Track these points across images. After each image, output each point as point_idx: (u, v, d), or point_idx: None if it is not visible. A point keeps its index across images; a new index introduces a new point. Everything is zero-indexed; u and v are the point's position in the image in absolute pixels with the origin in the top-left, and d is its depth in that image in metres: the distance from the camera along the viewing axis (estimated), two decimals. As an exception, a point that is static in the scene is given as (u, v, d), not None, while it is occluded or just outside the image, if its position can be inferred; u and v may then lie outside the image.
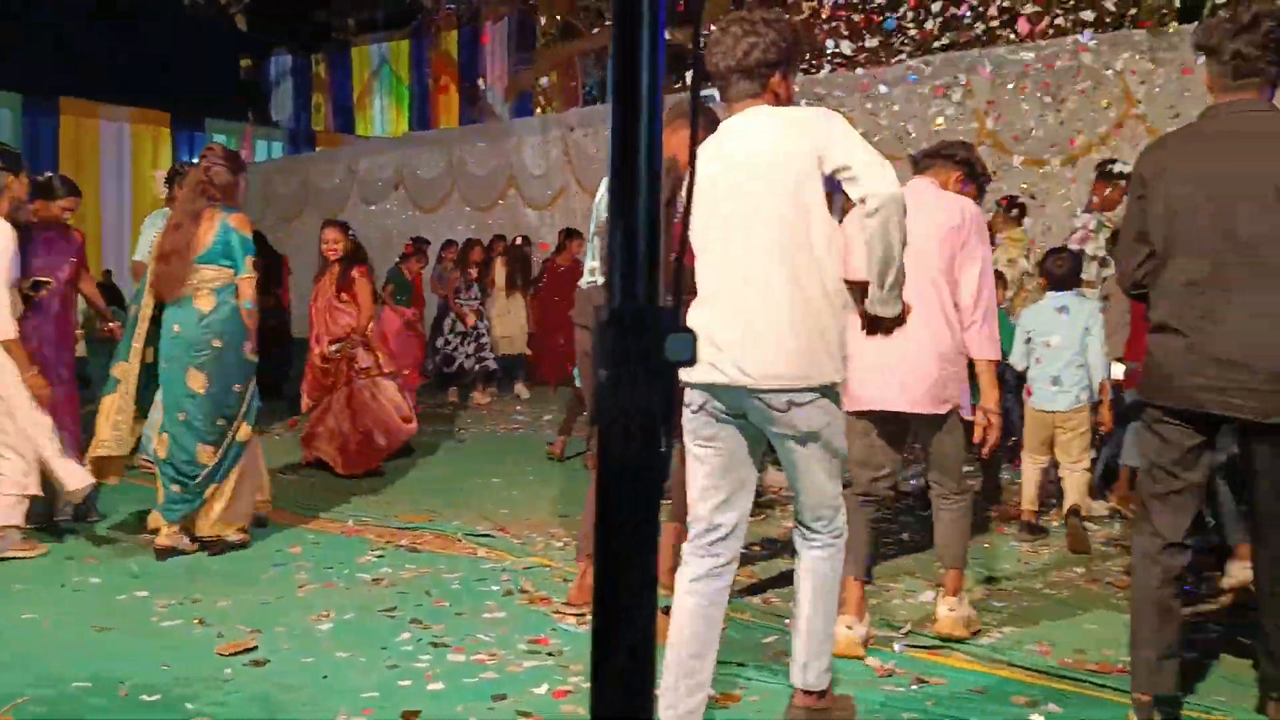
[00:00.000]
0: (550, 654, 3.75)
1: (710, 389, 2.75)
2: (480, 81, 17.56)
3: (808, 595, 2.93)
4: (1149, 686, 3.05)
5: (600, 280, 4.17)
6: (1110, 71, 9.54)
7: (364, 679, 3.49)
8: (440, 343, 10.66)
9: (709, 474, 2.82)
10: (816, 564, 2.94)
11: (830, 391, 2.75)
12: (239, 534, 5.16)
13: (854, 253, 3.10)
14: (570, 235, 10.95)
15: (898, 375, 3.65)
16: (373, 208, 16.08)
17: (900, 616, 4.16)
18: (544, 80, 15.38)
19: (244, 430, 5.10)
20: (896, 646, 3.82)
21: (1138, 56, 9.39)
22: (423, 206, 15.53)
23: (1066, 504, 5.39)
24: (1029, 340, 5.41)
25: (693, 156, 0.90)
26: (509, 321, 11.03)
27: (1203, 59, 3.08)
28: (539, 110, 15.85)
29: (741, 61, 2.76)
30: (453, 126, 18.39)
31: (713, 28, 2.87)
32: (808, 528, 2.93)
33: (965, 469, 3.88)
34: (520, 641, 3.85)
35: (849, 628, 3.73)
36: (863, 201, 2.63)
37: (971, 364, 3.80)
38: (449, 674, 3.54)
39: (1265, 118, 2.93)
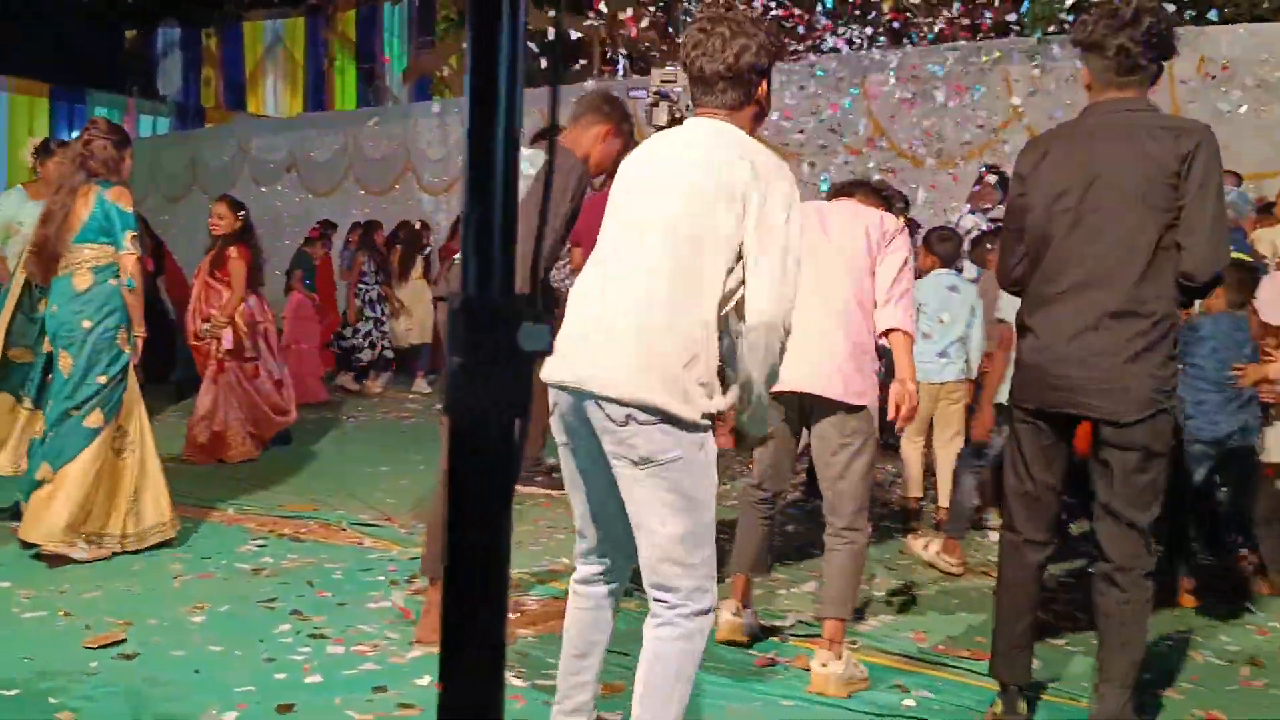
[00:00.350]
0: (435, 644, 3.71)
1: (559, 389, 2.52)
2: (380, 63, 17.23)
3: (639, 691, 2.48)
4: (1006, 675, 3.16)
5: None
6: (996, 76, 9.83)
7: (238, 673, 3.40)
8: (349, 330, 10.46)
9: (569, 481, 2.64)
10: (659, 647, 2.46)
11: (682, 424, 2.38)
12: (84, 548, 4.60)
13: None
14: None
15: (809, 359, 3.43)
16: (264, 189, 15.63)
17: (783, 606, 4.22)
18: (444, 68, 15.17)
19: (93, 417, 4.65)
20: (778, 638, 3.88)
21: (1023, 62, 9.69)
22: (316, 190, 15.17)
23: (944, 493, 5.54)
24: (919, 311, 5.48)
25: (551, 149, 0.88)
26: (412, 309, 10.79)
27: (1080, 56, 3.04)
28: (438, 95, 15.62)
29: (733, 66, 2.52)
30: (349, 108, 18.00)
31: (690, 26, 2.63)
32: (652, 596, 2.47)
33: (859, 507, 3.55)
34: (404, 633, 3.79)
35: (733, 614, 3.77)
36: (748, 307, 2.43)
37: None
38: (328, 666, 3.47)
39: (1141, 117, 2.93)
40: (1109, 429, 2.91)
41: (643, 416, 2.36)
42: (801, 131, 10.25)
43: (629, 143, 3.72)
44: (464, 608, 0.78)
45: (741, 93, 2.55)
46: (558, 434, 2.59)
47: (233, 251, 6.86)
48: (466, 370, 0.75)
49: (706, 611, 2.46)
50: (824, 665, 3.42)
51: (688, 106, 3.74)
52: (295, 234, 12.51)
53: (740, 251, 2.42)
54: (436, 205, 13.95)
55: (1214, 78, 8.99)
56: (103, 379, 4.67)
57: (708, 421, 2.42)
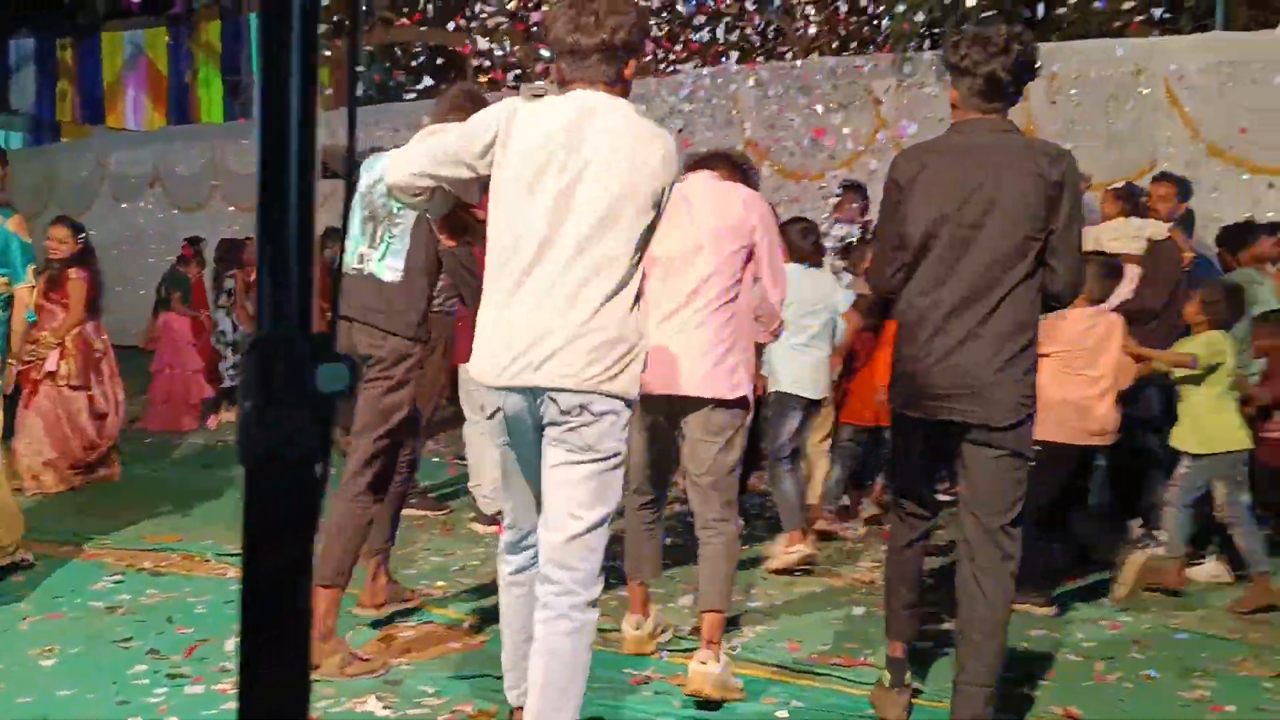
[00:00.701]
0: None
1: (505, 390, 2.58)
2: (247, 74, 16.74)
3: (536, 684, 2.56)
4: (897, 633, 3.34)
5: (367, 269, 3.75)
6: (861, 90, 10.10)
7: (88, 718, 3.22)
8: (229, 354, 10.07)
9: (513, 476, 2.74)
10: (553, 641, 2.55)
11: (620, 404, 2.55)
12: None
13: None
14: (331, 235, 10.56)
15: (669, 359, 3.51)
16: (125, 205, 15.04)
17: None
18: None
19: None
20: (656, 654, 3.87)
21: (887, 77, 9.98)
22: (182, 205, 14.65)
23: (815, 494, 5.63)
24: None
25: (350, 168, 0.84)
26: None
27: (950, 77, 3.18)
28: (308, 108, 15.24)
29: (608, 41, 2.56)
30: (215, 121, 17.44)
31: (557, 5, 2.67)
32: (548, 578, 2.59)
33: (727, 500, 3.61)
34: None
35: (635, 628, 3.81)
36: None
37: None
38: (185, 707, 3.33)
39: (1013, 137, 3.12)
40: (980, 433, 3.07)
41: (596, 406, 2.50)
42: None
43: None
44: (264, 667, 0.74)
45: (613, 69, 2.61)
46: (500, 434, 2.69)
47: (73, 273, 6.53)
48: (259, 413, 0.72)
49: (596, 602, 2.60)
50: (703, 664, 3.39)
51: None
52: (159, 252, 12.08)
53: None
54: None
55: (1071, 93, 9.40)
56: None
57: (635, 393, 2.60)
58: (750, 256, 3.63)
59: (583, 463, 2.54)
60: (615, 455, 2.58)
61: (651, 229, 2.60)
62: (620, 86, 2.64)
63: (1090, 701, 3.53)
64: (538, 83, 4.14)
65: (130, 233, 13.98)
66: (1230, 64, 8.87)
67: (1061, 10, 10.95)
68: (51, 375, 6.53)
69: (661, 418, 3.67)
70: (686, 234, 3.56)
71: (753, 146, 10.40)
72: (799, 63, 10.39)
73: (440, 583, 4.71)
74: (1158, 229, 5.91)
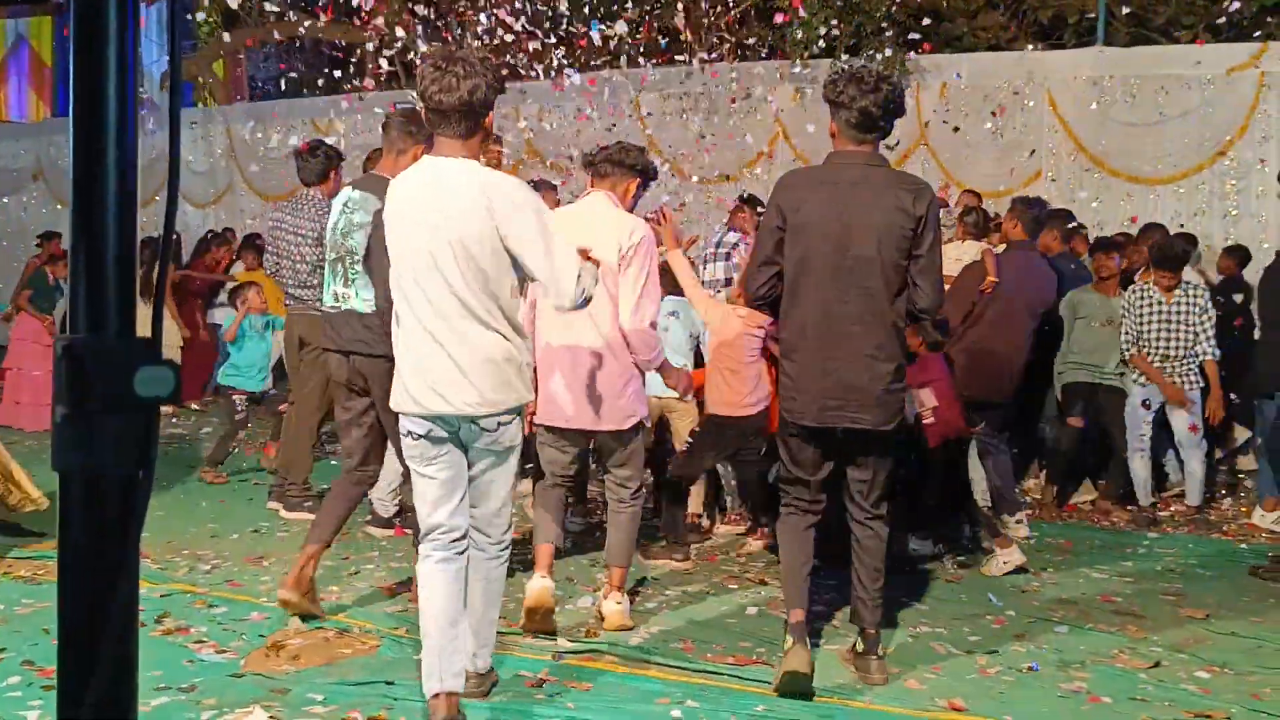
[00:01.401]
0: (184, 689, 3.47)
1: (435, 418, 3.12)
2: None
3: (480, 602, 3.33)
4: (798, 603, 3.67)
5: (345, 305, 4.26)
6: (759, 98, 10.21)
7: (-47, 735, 3.07)
8: None
9: (440, 486, 3.18)
10: (490, 571, 3.34)
11: (519, 414, 3.24)
12: None
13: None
14: (219, 239, 10.42)
15: (580, 396, 4.12)
16: (7, 199, 14.41)
17: (557, 624, 4.19)
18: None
19: None
20: (552, 656, 3.85)
21: (788, 86, 10.10)
22: (66, 200, 14.07)
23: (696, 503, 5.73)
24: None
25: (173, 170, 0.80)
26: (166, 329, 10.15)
27: (830, 110, 3.63)
28: (201, 102, 14.81)
29: (466, 101, 3.01)
30: (104, 114, 16.76)
31: (425, 64, 3.10)
32: (485, 535, 3.31)
33: (637, 486, 4.29)
34: (150, 678, 3.53)
35: (542, 577, 4.14)
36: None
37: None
38: None
39: (883, 172, 3.59)
40: (869, 437, 3.60)
41: (507, 419, 3.15)
42: (571, 158, 10.28)
43: None
44: (83, 668, 0.70)
45: (474, 123, 3.08)
46: (424, 454, 3.16)
47: None
48: (73, 422, 0.68)
49: (510, 542, 3.37)
50: (617, 604, 4.17)
51: None
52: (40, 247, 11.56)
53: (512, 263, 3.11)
54: (204, 218, 13.23)
55: (960, 105, 9.63)
56: None
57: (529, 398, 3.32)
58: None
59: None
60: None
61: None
62: (478, 136, 3.12)
63: (974, 694, 3.61)
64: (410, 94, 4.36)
65: (13, 227, 13.41)
66: (1110, 79, 9.21)
67: (951, 25, 11.23)
68: None
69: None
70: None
71: (653, 147, 10.43)
72: (699, 67, 10.45)
73: (333, 587, 4.61)
74: (971, 251, 6.21)
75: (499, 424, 3.12)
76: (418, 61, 4.13)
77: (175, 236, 10.85)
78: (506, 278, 3.08)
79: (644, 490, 4.41)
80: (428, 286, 3.05)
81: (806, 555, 3.76)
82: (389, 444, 5.41)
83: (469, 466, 3.22)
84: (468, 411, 3.07)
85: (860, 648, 3.76)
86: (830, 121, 3.64)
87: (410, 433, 3.17)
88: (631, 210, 4.26)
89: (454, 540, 3.19)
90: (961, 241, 6.65)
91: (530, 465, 5.63)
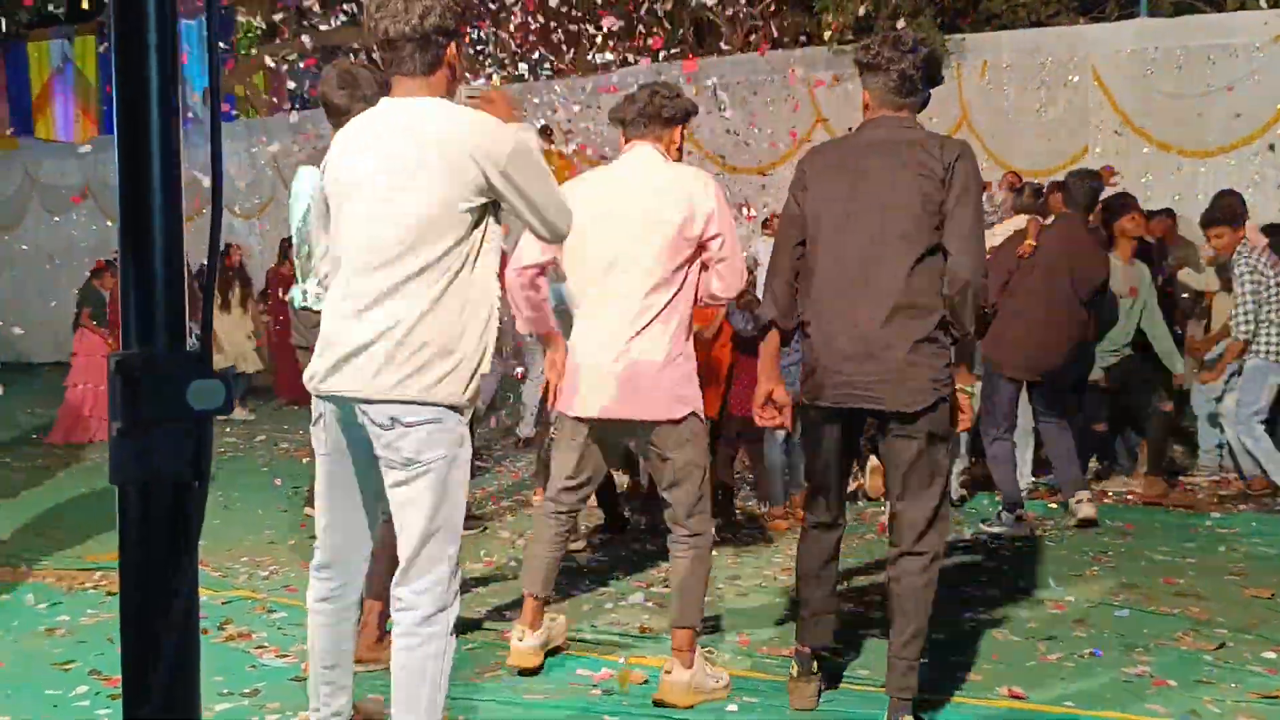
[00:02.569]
0: (247, 694, 3.53)
1: (329, 399, 2.56)
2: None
3: (396, 698, 2.55)
4: (808, 640, 3.36)
5: (315, 306, 3.78)
6: (800, 85, 10.15)
7: (27, 744, 3.15)
8: None
9: (321, 493, 2.68)
10: (408, 659, 2.52)
11: (453, 416, 2.49)
12: None
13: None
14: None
15: (604, 381, 3.41)
16: (57, 218, 14.73)
17: (613, 619, 4.21)
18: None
19: None
20: (612, 654, 3.85)
21: (824, 71, 10.04)
22: (115, 216, 14.33)
23: None
24: None
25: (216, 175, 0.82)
26: (226, 337, 10.26)
27: (861, 77, 3.27)
28: (242, 114, 15.04)
29: (418, 28, 2.49)
30: (149, 130, 17.07)
31: None
32: (398, 597, 2.54)
33: (701, 504, 3.46)
34: (214, 684, 3.60)
35: (519, 639, 3.63)
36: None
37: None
38: (126, 728, 3.25)
39: (911, 133, 3.17)
40: (894, 420, 3.11)
41: (411, 417, 2.44)
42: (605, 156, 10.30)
43: None
44: (147, 675, 0.72)
45: (433, 55, 2.53)
46: (319, 444, 2.63)
47: None
48: (128, 436, 0.70)
49: (449, 607, 2.53)
50: (669, 673, 3.41)
51: None
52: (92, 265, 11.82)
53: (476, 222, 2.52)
54: (250, 229, 13.44)
55: (1003, 83, 9.52)
56: None
57: (471, 402, 2.54)
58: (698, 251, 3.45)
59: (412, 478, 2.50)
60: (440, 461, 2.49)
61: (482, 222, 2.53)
62: (440, 73, 2.56)
63: (1034, 681, 3.57)
64: (474, 82, 4.08)
65: (63, 245, 13.71)
66: (1155, 50, 9.04)
67: (990, 3, 11.09)
68: None
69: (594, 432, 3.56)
70: (625, 227, 3.41)
71: (691, 139, 10.42)
72: (733, 58, 10.42)
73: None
74: (1019, 222, 6.10)
75: (393, 420, 2.46)
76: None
77: (224, 247, 11.05)
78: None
79: (712, 526, 3.57)
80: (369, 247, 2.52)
81: (806, 580, 3.35)
82: None
83: (374, 479, 2.59)
84: (359, 394, 2.48)
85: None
86: (863, 91, 3.27)
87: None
88: (679, 156, 3.62)
89: (321, 567, 2.72)
90: (1012, 217, 6.54)
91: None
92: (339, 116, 3.45)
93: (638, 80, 10.66)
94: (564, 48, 10.39)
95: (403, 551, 2.51)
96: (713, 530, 3.51)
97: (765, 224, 8.94)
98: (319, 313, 3.53)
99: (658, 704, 3.39)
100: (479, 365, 2.52)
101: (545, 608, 3.72)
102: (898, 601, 3.16)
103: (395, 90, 2.59)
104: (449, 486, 2.49)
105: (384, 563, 3.18)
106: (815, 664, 3.38)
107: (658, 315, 3.38)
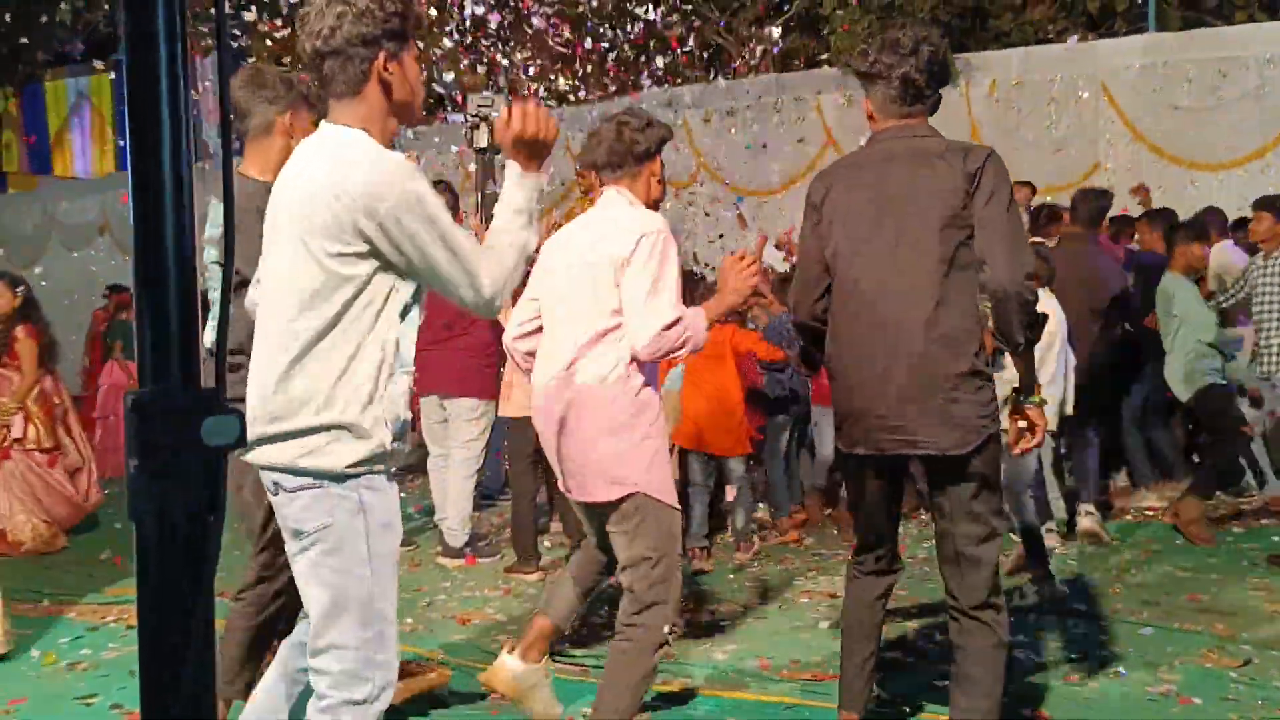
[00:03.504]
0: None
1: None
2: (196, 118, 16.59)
3: None
4: (849, 706, 3.11)
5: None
6: (809, 105, 10.19)
7: (50, 779, 3.16)
8: None
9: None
10: None
11: (344, 481, 2.14)
12: None
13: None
14: None
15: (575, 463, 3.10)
16: (76, 254, 14.87)
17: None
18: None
19: None
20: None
21: (833, 92, 10.07)
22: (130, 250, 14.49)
23: None
24: None
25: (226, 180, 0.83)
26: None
27: (863, 87, 3.02)
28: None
29: (329, 39, 2.15)
30: (165, 165, 17.22)
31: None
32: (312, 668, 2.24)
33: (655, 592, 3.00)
34: (234, 716, 3.60)
35: (509, 651, 3.40)
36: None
37: None
38: (147, 762, 3.25)
39: (930, 143, 2.91)
40: (942, 463, 2.83)
41: (289, 483, 2.16)
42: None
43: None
44: (165, 709, 0.73)
45: (354, 72, 2.17)
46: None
47: (19, 332, 6.34)
48: (144, 472, 0.71)
49: (361, 702, 2.18)
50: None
51: None
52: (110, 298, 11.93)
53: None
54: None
55: (1012, 100, 9.53)
56: None
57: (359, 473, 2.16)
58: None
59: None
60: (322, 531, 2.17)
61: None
62: (370, 90, 2.19)
63: (1061, 704, 3.54)
64: (484, 92, 4.07)
65: (83, 281, 13.81)
66: (1165, 65, 9.05)
67: (997, 21, 11.13)
68: (19, 441, 6.39)
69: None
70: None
71: (703, 165, 10.48)
72: (745, 81, 10.48)
73: (408, 620, 4.66)
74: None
75: (277, 487, 2.18)
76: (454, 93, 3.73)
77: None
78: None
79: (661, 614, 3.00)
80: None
81: (869, 635, 3.09)
82: (462, 479, 5.50)
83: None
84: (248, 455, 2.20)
85: None
86: (866, 101, 3.01)
87: None
88: (662, 189, 3.25)
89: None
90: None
91: None
92: (240, 119, 3.16)
93: (654, 106, 10.74)
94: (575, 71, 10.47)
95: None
96: (665, 630, 3.01)
97: (778, 245, 8.93)
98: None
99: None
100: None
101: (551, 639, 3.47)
102: (964, 670, 2.89)
103: (329, 116, 2.25)
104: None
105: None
106: None
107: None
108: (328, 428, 2.11)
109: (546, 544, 5.83)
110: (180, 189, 0.74)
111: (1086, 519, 5.66)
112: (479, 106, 3.85)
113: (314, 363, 2.12)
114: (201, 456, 0.72)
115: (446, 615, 4.75)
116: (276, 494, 2.17)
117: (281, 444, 2.13)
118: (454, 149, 10.36)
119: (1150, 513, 6.31)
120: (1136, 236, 7.30)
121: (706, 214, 10.41)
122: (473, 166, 3.90)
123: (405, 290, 2.18)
